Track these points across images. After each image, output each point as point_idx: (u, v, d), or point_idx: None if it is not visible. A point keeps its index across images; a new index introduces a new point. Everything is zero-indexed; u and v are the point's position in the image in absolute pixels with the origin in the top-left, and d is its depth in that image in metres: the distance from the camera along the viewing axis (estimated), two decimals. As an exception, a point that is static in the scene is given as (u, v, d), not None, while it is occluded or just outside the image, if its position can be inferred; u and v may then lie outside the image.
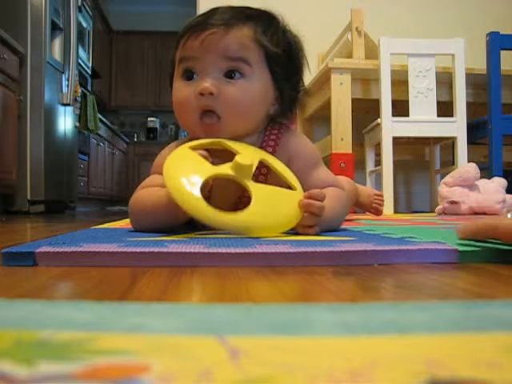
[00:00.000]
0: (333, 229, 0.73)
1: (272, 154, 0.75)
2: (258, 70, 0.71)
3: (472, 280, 0.39)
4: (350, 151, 2.00)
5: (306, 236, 0.62)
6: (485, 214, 1.62)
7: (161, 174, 0.75)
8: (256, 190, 0.64)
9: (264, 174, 0.74)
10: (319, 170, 0.78)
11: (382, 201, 1.29)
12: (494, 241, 0.48)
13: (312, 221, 0.63)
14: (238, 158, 0.63)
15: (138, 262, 0.44)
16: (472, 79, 2.08)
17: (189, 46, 0.70)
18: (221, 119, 0.69)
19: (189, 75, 0.71)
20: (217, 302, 0.30)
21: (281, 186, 0.68)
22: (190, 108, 0.70)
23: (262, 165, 0.72)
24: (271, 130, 0.77)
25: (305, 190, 0.72)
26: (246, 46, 0.70)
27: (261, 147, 0.75)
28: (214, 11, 0.72)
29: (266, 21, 0.73)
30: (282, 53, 0.73)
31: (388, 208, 1.94)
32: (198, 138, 0.73)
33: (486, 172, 1.93)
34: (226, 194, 0.74)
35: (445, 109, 1.99)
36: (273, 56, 0.72)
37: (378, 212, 1.28)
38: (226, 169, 0.64)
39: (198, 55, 0.69)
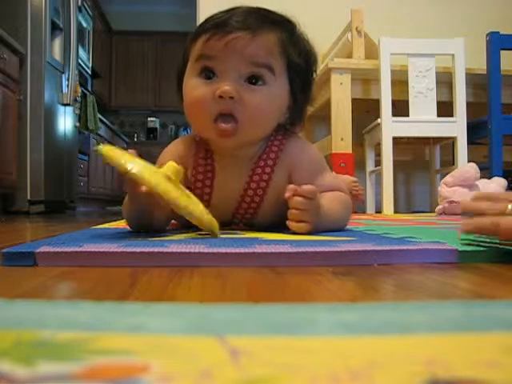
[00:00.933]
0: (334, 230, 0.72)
1: (274, 161, 0.74)
2: (279, 79, 0.69)
3: (472, 280, 0.39)
4: (350, 151, 2.00)
5: (305, 236, 0.62)
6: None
7: None
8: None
9: (260, 194, 0.74)
10: (324, 176, 0.76)
11: (359, 188, 1.34)
12: (493, 241, 0.48)
13: (299, 216, 0.62)
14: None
15: (138, 262, 0.44)
16: (472, 79, 2.08)
17: (211, 45, 0.67)
18: (238, 124, 0.67)
19: (208, 74, 0.68)
20: (217, 302, 0.30)
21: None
22: (205, 109, 0.67)
23: (257, 186, 0.73)
24: (275, 136, 0.75)
25: None
26: (272, 53, 0.68)
27: (264, 154, 0.74)
28: (235, 11, 0.69)
29: (289, 28, 0.72)
30: (303, 63, 0.73)
31: (388, 208, 1.94)
32: (206, 139, 0.73)
33: (486, 172, 1.93)
34: (226, 198, 0.74)
35: (445, 109, 1.99)
36: (295, 66, 0.71)
37: (357, 198, 1.31)
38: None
39: (221, 56, 0.67)
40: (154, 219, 0.65)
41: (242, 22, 0.67)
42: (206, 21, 0.70)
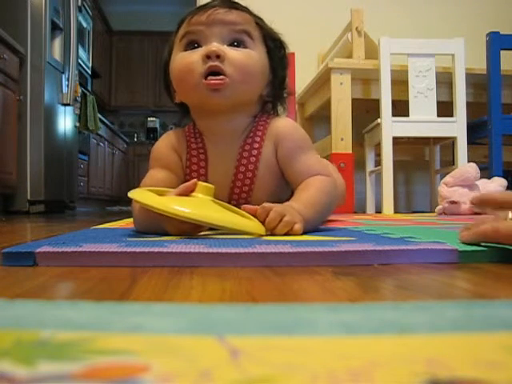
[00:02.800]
0: (324, 217, 0.76)
1: (261, 137, 0.77)
2: (258, 44, 0.76)
3: (472, 280, 0.38)
4: (350, 151, 2.00)
5: (306, 236, 0.61)
6: (485, 214, 1.61)
7: (160, 167, 0.77)
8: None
9: (251, 169, 0.77)
10: (308, 155, 0.77)
11: None
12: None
13: (285, 226, 0.61)
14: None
15: (138, 262, 0.44)
16: (472, 79, 2.08)
17: (194, 21, 0.74)
18: (227, 78, 0.71)
19: (193, 47, 0.74)
20: (217, 302, 0.30)
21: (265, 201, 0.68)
22: (194, 70, 0.71)
23: (248, 161, 0.76)
24: (261, 116, 0.80)
25: (291, 175, 0.76)
26: (249, 22, 0.76)
27: (251, 132, 0.78)
28: (210, 2, 0.77)
29: (256, 14, 0.80)
30: (276, 36, 0.81)
31: (388, 208, 1.94)
32: (198, 114, 0.77)
33: (486, 172, 1.93)
34: (220, 177, 0.76)
35: (445, 109, 1.99)
36: (269, 36, 0.79)
37: None
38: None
39: (203, 28, 0.73)
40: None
41: (220, 2, 0.75)
42: (186, 14, 0.77)
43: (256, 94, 0.78)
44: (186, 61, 0.73)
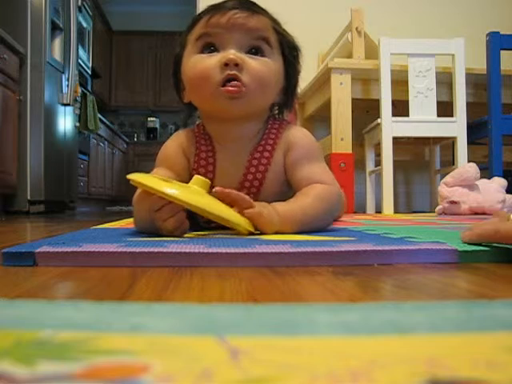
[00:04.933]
0: (319, 226, 0.71)
1: (272, 146, 0.76)
2: (275, 52, 0.75)
3: (472, 280, 0.38)
4: (350, 151, 2.00)
5: (306, 236, 0.62)
6: (485, 213, 1.62)
7: (165, 167, 0.77)
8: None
9: (259, 178, 0.76)
10: (314, 164, 0.76)
11: None
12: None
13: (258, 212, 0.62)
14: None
15: (138, 262, 0.44)
16: (472, 79, 2.08)
17: (213, 23, 0.72)
18: (244, 87, 0.70)
19: (209, 50, 0.72)
20: (217, 302, 0.30)
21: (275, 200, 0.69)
22: (212, 77, 0.70)
23: (256, 170, 0.75)
24: (273, 123, 0.79)
25: (295, 183, 0.75)
26: (268, 29, 0.74)
27: (262, 139, 0.77)
28: (226, 1, 0.74)
29: (274, 17, 0.78)
30: (292, 44, 0.79)
31: (388, 208, 1.94)
32: (210, 118, 0.77)
33: (486, 172, 1.93)
34: (227, 183, 0.75)
35: (445, 109, 1.99)
36: (286, 43, 0.77)
37: None
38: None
39: (222, 32, 0.71)
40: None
41: (238, 4, 0.73)
42: (202, 11, 0.76)
43: (270, 102, 0.78)
44: (202, 65, 0.71)
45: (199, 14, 0.75)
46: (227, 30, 0.71)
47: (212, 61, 0.70)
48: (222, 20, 0.71)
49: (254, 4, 0.75)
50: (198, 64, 0.71)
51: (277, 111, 0.83)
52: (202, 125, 0.80)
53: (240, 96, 0.70)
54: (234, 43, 0.71)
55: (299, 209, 0.67)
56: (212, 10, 0.73)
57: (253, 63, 0.71)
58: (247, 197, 0.64)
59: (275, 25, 0.76)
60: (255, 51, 0.72)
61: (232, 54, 0.69)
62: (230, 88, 0.69)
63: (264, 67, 0.71)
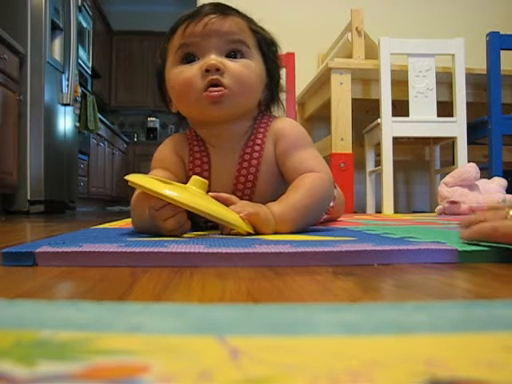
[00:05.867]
0: (313, 220, 0.75)
1: (262, 139, 0.78)
2: (254, 52, 0.76)
3: (472, 280, 0.38)
4: (350, 151, 2.00)
5: (306, 236, 0.62)
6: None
7: (161, 168, 0.77)
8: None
9: (253, 173, 0.77)
10: (304, 152, 0.77)
11: None
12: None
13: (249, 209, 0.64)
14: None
15: (138, 262, 0.44)
16: (472, 79, 2.08)
17: (189, 32, 0.73)
18: (227, 90, 0.71)
19: (190, 59, 0.73)
20: (217, 302, 0.30)
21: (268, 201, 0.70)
22: (195, 84, 0.71)
23: (249, 164, 0.77)
24: (261, 118, 0.81)
25: (286, 173, 0.76)
26: (244, 30, 0.76)
27: (252, 134, 0.78)
28: (202, 6, 0.76)
29: (249, 17, 0.79)
30: (270, 41, 0.80)
31: (388, 208, 1.94)
32: (199, 124, 0.78)
33: (486, 172, 1.93)
34: (222, 182, 0.77)
35: (445, 109, 1.99)
36: (264, 41, 0.79)
37: None
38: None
39: (200, 40, 0.73)
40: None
41: (212, 9, 0.74)
42: (178, 20, 0.77)
43: (255, 102, 0.79)
44: (184, 75, 0.72)
45: (175, 24, 0.77)
46: (203, 37, 0.72)
47: (193, 69, 0.72)
48: (197, 28, 0.73)
49: (228, 7, 0.76)
50: (181, 74, 0.73)
51: (264, 108, 0.83)
52: (194, 129, 0.82)
53: (223, 100, 0.71)
54: (213, 48, 0.72)
55: (292, 209, 0.68)
56: (186, 18, 0.74)
57: (233, 66, 0.72)
58: (233, 196, 0.68)
59: (251, 24, 0.77)
60: (234, 54, 0.73)
61: (213, 59, 0.71)
62: (213, 93, 0.70)
63: (245, 69, 0.73)
